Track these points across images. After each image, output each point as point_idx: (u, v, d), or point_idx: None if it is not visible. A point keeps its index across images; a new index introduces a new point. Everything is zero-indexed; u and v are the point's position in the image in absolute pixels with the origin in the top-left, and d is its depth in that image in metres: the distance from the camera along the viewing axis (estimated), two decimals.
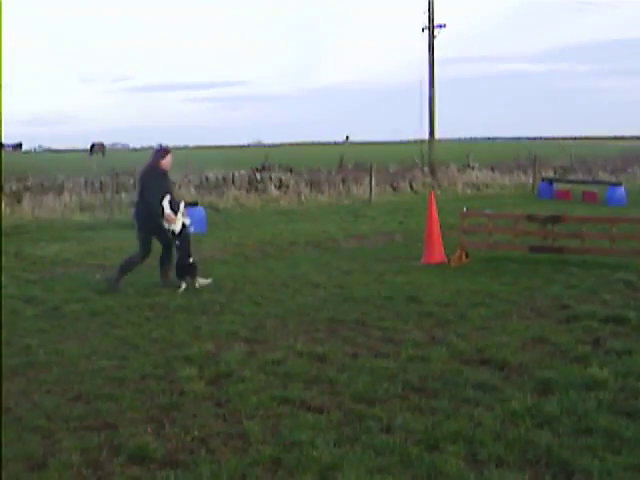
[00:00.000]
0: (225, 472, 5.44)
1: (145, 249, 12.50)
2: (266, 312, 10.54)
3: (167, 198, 12.15)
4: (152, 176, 12.46)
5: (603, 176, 39.26)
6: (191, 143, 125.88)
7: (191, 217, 13.08)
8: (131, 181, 27.95)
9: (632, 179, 38.71)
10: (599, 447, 5.74)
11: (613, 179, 35.81)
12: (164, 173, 12.58)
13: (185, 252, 12.34)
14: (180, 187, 29.29)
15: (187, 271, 12.34)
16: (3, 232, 18.44)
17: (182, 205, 12.45)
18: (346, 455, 5.63)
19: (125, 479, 5.44)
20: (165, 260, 12.71)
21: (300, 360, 8.14)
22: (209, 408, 6.79)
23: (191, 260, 12.37)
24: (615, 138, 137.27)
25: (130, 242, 17.98)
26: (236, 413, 6.62)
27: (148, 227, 12.45)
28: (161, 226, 12.28)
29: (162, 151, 12.77)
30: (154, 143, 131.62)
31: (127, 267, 12.51)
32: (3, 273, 13.45)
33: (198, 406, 6.83)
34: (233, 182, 31.32)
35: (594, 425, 6.14)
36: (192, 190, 29.28)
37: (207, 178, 31.54)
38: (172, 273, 12.52)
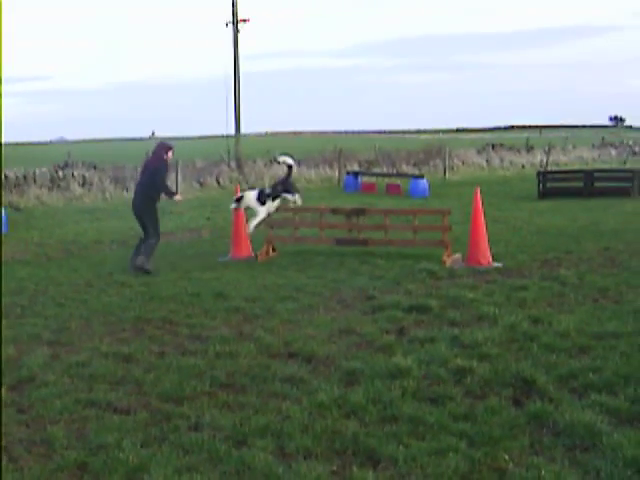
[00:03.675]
0: None
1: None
2: (70, 313, 10.27)
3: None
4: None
5: (406, 169, 40.31)
6: None
7: None
8: None
9: (434, 171, 39.96)
10: (404, 434, 5.87)
11: (416, 172, 36.86)
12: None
13: None
14: None
15: None
16: None
17: None
18: (153, 456, 5.55)
19: None
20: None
21: (105, 361, 7.97)
22: (11, 415, 6.54)
23: None
24: (418, 132, 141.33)
25: None
26: (39, 419, 6.43)
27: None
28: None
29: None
30: None
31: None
32: None
33: None
34: (34, 180, 30.50)
35: (399, 413, 6.27)
36: None
37: (6, 176, 30.56)
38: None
